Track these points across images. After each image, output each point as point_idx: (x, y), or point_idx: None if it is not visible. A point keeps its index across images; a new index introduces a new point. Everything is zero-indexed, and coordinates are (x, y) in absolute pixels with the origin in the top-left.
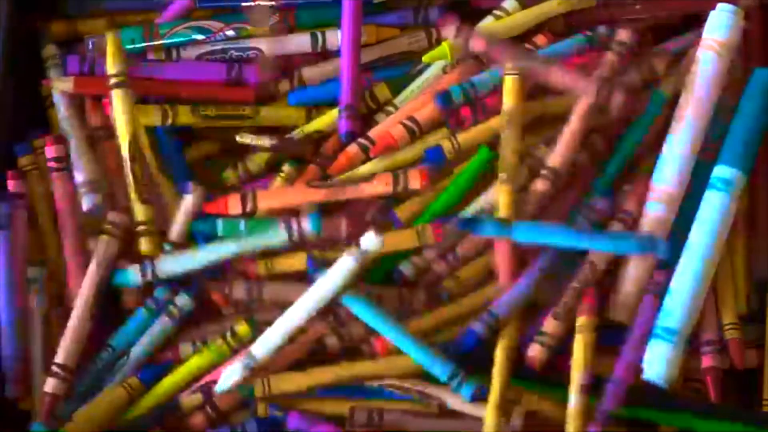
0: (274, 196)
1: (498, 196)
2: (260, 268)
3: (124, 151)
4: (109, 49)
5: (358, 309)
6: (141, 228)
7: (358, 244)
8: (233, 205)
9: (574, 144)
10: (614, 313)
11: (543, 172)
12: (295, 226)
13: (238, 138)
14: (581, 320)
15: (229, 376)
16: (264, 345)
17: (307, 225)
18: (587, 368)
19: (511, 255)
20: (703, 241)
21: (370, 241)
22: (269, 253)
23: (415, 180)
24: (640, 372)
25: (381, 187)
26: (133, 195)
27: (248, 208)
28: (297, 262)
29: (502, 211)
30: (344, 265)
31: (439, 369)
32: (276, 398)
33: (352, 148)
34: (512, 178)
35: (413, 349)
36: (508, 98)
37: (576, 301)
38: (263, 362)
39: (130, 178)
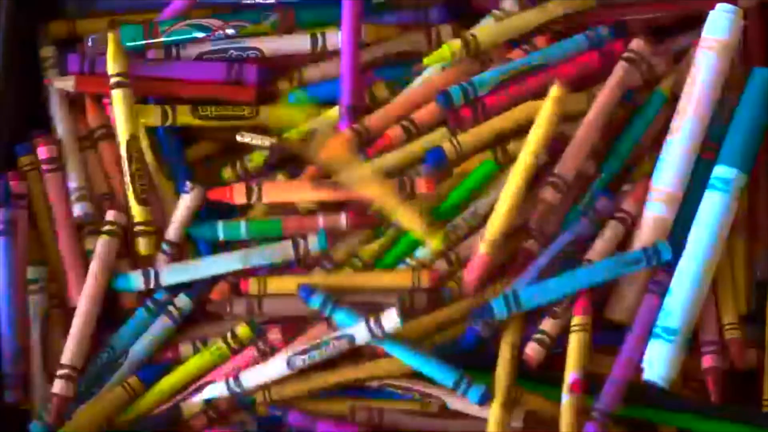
0: (279, 189)
1: (502, 198)
2: (252, 287)
3: (123, 151)
4: (110, 49)
5: (352, 324)
6: (139, 228)
7: (377, 319)
8: (238, 194)
9: (584, 152)
10: (614, 313)
11: (552, 179)
12: (301, 244)
13: (238, 137)
14: (575, 319)
15: (213, 391)
16: (256, 378)
17: (315, 243)
18: (580, 367)
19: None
20: (703, 241)
21: (390, 321)
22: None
23: (422, 187)
24: (640, 372)
25: (387, 191)
26: (130, 195)
27: (253, 199)
28: (291, 284)
29: (500, 222)
30: (358, 335)
31: (443, 375)
32: (277, 402)
33: (346, 133)
34: (522, 190)
35: (414, 357)
36: (549, 111)
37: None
38: (249, 392)
39: (128, 178)
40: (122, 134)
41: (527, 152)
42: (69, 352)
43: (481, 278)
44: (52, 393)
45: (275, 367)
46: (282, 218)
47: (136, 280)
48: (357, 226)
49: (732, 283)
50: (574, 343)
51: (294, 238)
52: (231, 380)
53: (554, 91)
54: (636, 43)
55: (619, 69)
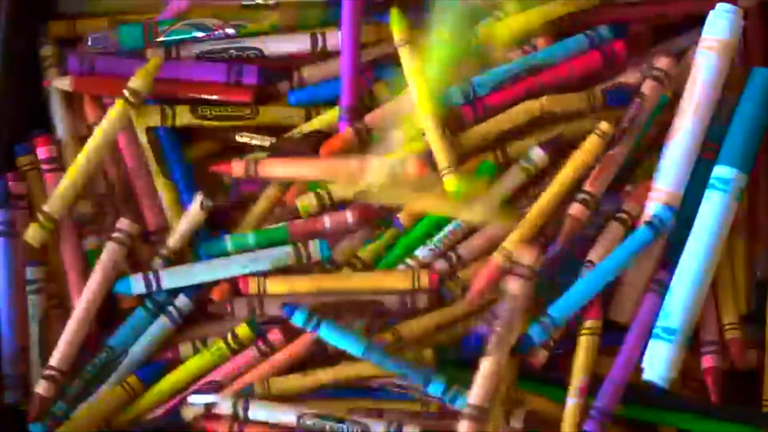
0: (276, 164)
1: (532, 213)
2: (252, 287)
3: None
4: (147, 69)
5: (338, 340)
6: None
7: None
8: (237, 168)
9: (613, 170)
10: (615, 314)
11: (582, 196)
12: (303, 252)
13: (237, 137)
14: (587, 323)
15: (219, 404)
16: (263, 414)
17: (317, 251)
18: (589, 371)
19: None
20: (703, 240)
21: None
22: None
23: (411, 166)
24: (639, 372)
25: (379, 165)
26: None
27: (251, 172)
28: (290, 285)
29: (522, 235)
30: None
31: (433, 386)
32: (276, 398)
33: (347, 132)
34: (551, 209)
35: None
36: (594, 144)
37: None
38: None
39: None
40: (92, 140)
41: (565, 175)
42: (58, 354)
43: (490, 286)
44: (34, 392)
45: (284, 416)
46: (288, 224)
47: (136, 284)
48: (363, 223)
49: (732, 283)
50: (585, 347)
51: (295, 245)
52: (240, 404)
53: (603, 125)
54: (662, 61)
55: (647, 89)
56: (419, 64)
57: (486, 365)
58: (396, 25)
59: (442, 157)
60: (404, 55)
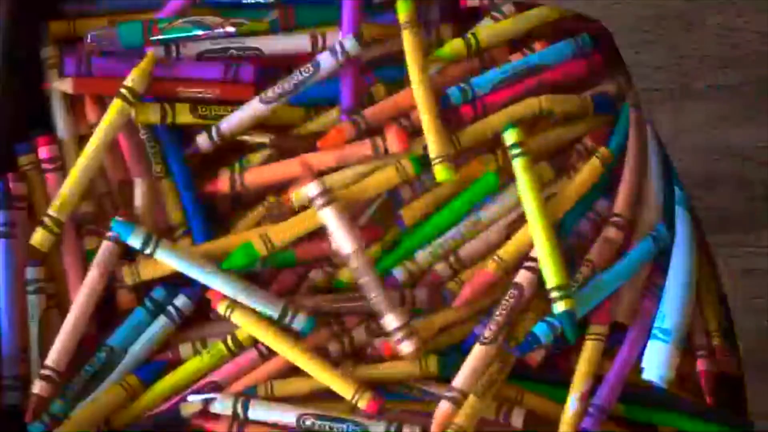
0: (261, 171)
1: (528, 231)
2: (221, 309)
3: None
4: (142, 65)
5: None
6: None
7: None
8: (223, 182)
9: (635, 189)
10: (615, 315)
11: (613, 219)
12: (289, 316)
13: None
14: (594, 328)
15: (218, 404)
16: (263, 413)
17: (301, 323)
18: (592, 375)
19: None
20: (688, 241)
21: None
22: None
23: (393, 142)
24: (639, 372)
25: (363, 150)
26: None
27: (236, 185)
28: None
29: (518, 249)
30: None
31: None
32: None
33: (344, 124)
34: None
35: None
36: (587, 176)
37: None
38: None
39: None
40: (93, 140)
41: (568, 194)
42: (54, 354)
43: (480, 293)
44: (31, 392)
45: (284, 416)
46: (294, 249)
47: (135, 237)
48: (369, 242)
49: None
50: (591, 352)
51: (285, 306)
52: (240, 402)
53: (603, 151)
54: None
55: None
56: (420, 51)
57: (477, 350)
58: (402, 4)
59: (433, 146)
60: (407, 38)
